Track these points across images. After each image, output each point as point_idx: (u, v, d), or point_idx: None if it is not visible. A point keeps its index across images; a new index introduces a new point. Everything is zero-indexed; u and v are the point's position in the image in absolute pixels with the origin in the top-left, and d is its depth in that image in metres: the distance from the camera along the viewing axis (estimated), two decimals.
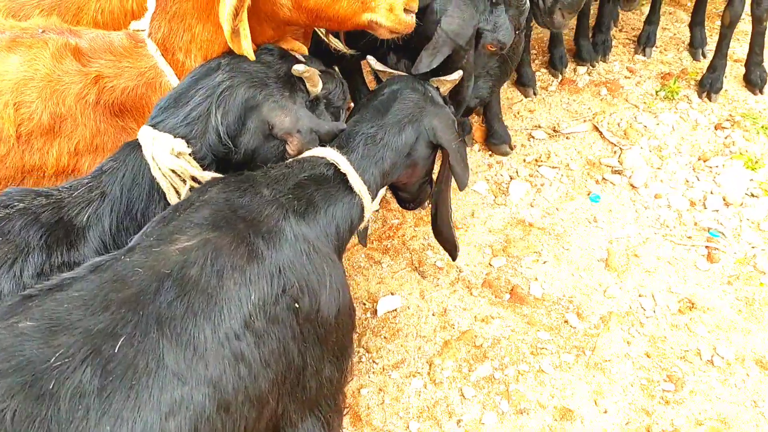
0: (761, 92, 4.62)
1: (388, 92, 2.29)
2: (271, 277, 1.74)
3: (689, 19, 5.10)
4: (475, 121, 4.41)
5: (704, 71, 4.66)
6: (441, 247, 3.50)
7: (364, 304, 3.37)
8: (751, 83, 4.64)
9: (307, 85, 1.96)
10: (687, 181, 4.00)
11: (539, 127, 4.43)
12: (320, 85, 2.00)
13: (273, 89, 1.91)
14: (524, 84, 4.70)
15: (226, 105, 1.86)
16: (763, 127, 4.33)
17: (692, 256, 3.56)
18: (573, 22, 5.15)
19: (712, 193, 3.90)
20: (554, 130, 4.40)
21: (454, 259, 2.76)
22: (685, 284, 3.43)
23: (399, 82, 2.33)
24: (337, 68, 2.45)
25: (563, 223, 3.75)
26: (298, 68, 1.91)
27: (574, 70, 4.94)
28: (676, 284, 3.42)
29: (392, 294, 3.40)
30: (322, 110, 2.07)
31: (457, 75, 2.30)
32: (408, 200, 2.64)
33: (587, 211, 3.82)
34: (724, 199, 3.86)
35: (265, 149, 1.96)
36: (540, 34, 5.14)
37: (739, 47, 5.05)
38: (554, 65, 4.87)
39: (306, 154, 2.00)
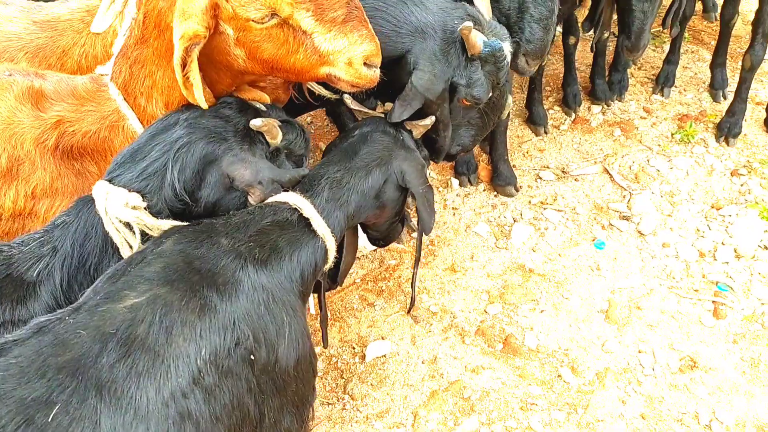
0: None
1: (358, 134, 2.28)
2: (224, 331, 1.71)
3: (711, 59, 4.97)
4: (482, 160, 4.34)
5: (723, 114, 4.52)
6: (436, 292, 3.45)
7: (354, 348, 3.31)
8: None
9: (267, 136, 1.94)
10: (698, 230, 3.86)
11: (548, 167, 4.34)
12: (280, 136, 1.98)
13: (232, 143, 1.89)
14: (535, 122, 4.62)
15: (184, 161, 1.85)
16: None
17: (698, 310, 3.42)
18: (589, 59, 5.07)
19: (723, 243, 3.76)
20: (563, 172, 4.31)
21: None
22: (688, 340, 3.29)
23: (371, 124, 2.31)
24: (329, 104, 2.44)
25: (565, 270, 3.65)
26: (255, 123, 1.89)
27: (589, 108, 4.85)
28: (678, 340, 3.29)
29: (383, 339, 3.33)
30: (282, 160, 2.04)
31: (429, 120, 2.26)
32: (377, 238, 2.62)
33: (591, 259, 3.71)
34: (735, 251, 3.71)
35: (227, 200, 1.94)
36: (555, 70, 5.06)
37: (762, 89, 4.91)
38: (567, 104, 4.78)
39: (269, 199, 1.98)
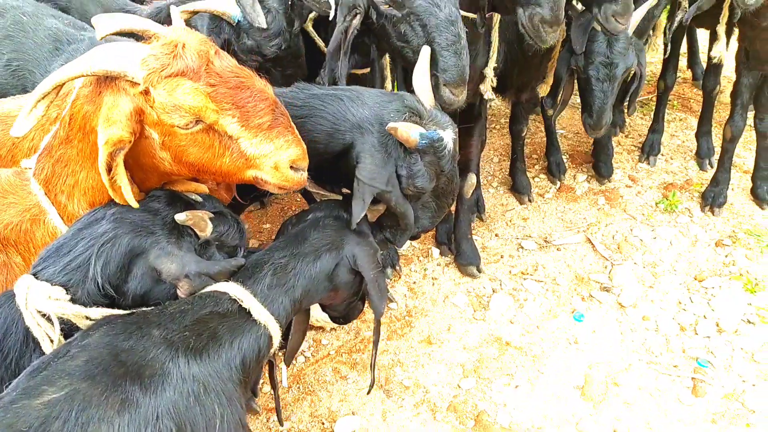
0: None
1: (311, 219, 2.30)
2: (144, 426, 1.68)
3: (696, 127, 5.00)
4: None
5: (708, 183, 4.52)
6: (410, 365, 3.42)
7: (323, 424, 3.26)
8: (758, 197, 4.46)
9: (195, 229, 1.97)
10: (679, 303, 3.81)
11: (530, 236, 4.33)
12: (209, 228, 2.00)
13: (159, 236, 1.92)
14: (519, 191, 4.64)
15: (107, 255, 1.88)
16: None
17: (677, 387, 3.34)
18: (577, 126, 5.11)
19: (704, 317, 3.70)
20: (545, 241, 4.29)
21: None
22: (665, 419, 3.20)
23: (325, 208, 2.34)
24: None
25: (542, 344, 3.60)
26: (179, 217, 1.92)
27: (574, 176, 4.87)
28: (655, 419, 3.20)
29: (353, 414, 3.28)
30: (213, 252, 2.06)
31: (381, 206, 2.29)
32: (336, 317, 2.61)
33: (569, 331, 3.66)
34: (717, 325, 3.64)
35: (157, 292, 1.95)
36: (541, 139, 5.10)
37: (750, 158, 4.91)
38: (552, 172, 4.81)
39: (208, 289, 1.98)
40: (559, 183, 4.79)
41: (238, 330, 1.97)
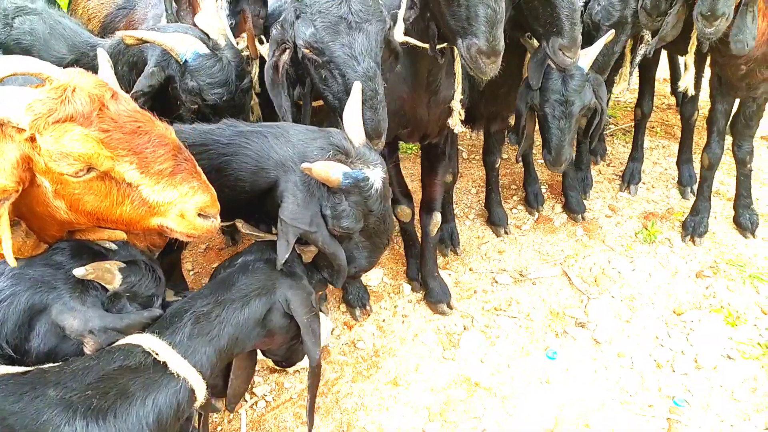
0: (753, 235, 4.31)
1: (240, 263, 2.22)
2: None
3: (677, 155, 4.90)
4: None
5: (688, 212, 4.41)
6: (374, 409, 3.29)
7: None
8: (741, 226, 4.34)
9: (101, 282, 1.88)
10: (657, 338, 3.67)
11: (505, 270, 4.22)
12: (117, 279, 1.91)
13: (62, 291, 1.84)
14: (495, 223, 4.54)
15: (5, 313, 1.80)
16: (751, 276, 4.00)
17: (651, 428, 3.20)
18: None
19: (683, 353, 3.56)
20: (521, 275, 4.18)
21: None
22: None
23: (255, 251, 2.25)
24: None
25: (512, 383, 3.46)
26: (77, 272, 1.84)
27: (553, 207, 4.76)
28: None
29: None
30: (123, 304, 1.97)
31: (313, 247, 2.20)
32: (278, 361, 2.50)
33: (541, 370, 3.52)
34: (695, 361, 3.50)
35: (63, 348, 1.86)
36: (520, 170, 5.01)
37: (734, 185, 4.78)
38: (529, 203, 4.71)
39: (120, 342, 1.89)
40: (537, 214, 4.68)
41: (152, 385, 1.86)
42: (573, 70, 3.28)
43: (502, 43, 2.44)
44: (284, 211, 2.07)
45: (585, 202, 4.75)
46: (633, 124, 5.54)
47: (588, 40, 3.57)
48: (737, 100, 4.01)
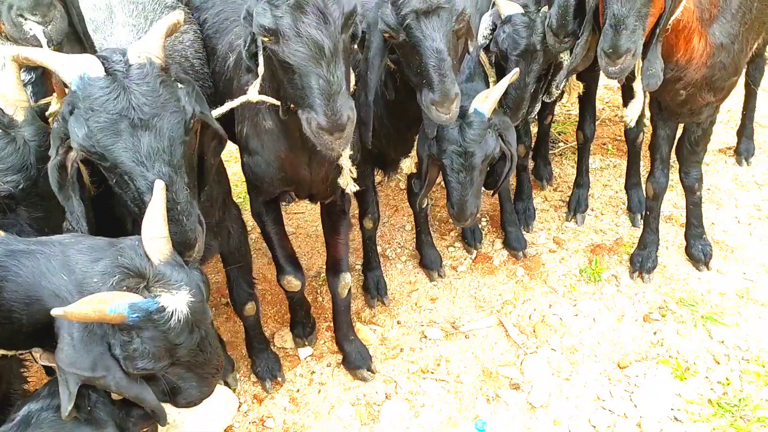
0: (707, 267, 3.93)
1: (22, 415, 1.82)
2: None
3: (625, 179, 4.52)
4: (361, 318, 3.86)
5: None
6: None
7: None
8: (693, 257, 3.97)
9: None
10: (598, 398, 3.30)
11: (436, 323, 3.84)
12: None
13: None
14: (427, 267, 4.16)
15: None
16: (703, 317, 3.63)
17: None
18: None
19: (625, 416, 3.19)
20: (453, 326, 3.80)
21: None
22: None
23: (44, 397, 1.85)
24: None
25: None
26: None
27: (493, 243, 4.38)
28: None
29: None
30: None
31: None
32: None
33: None
34: (638, 426, 3.14)
35: None
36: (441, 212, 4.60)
37: None
38: (466, 240, 4.33)
39: None
40: (475, 252, 4.30)
41: None
42: (472, 117, 2.88)
43: (347, 114, 2.06)
44: (59, 354, 1.69)
45: (528, 235, 4.37)
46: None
47: (500, 72, 3.20)
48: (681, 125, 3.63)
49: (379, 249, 4.41)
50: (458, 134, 2.88)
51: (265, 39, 2.07)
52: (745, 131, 4.73)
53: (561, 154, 5.23)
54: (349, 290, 3.44)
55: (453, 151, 2.90)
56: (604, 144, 5.23)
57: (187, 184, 1.98)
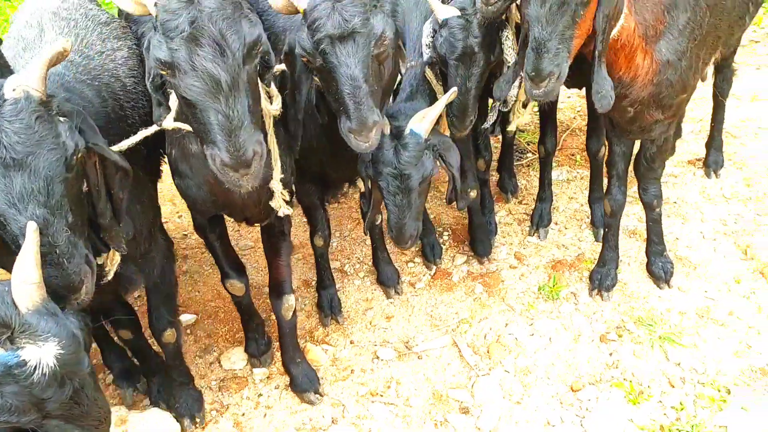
0: (668, 285, 3.85)
1: None
2: None
3: (588, 193, 4.43)
4: (314, 337, 3.77)
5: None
6: None
7: None
8: (653, 275, 3.89)
9: None
10: (548, 423, 3.22)
11: (389, 342, 3.75)
12: None
13: None
14: (384, 284, 4.08)
15: None
16: (661, 338, 3.54)
17: None
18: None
19: None
20: (407, 346, 3.72)
21: None
22: None
23: None
24: None
25: None
26: None
27: (453, 258, 4.30)
28: None
29: None
30: None
31: None
32: None
33: None
34: None
35: None
36: None
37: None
38: (425, 255, 4.24)
39: None
40: (434, 268, 4.21)
41: None
42: (407, 139, 2.79)
43: (252, 149, 1.98)
44: None
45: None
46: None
47: (444, 79, 3.10)
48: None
49: (337, 264, 4.35)
50: (393, 156, 2.78)
51: (163, 72, 1.98)
52: (713, 143, 4.64)
53: (529, 165, 5.15)
54: (294, 312, 3.35)
55: (388, 173, 2.81)
56: (573, 155, 5.15)
57: (71, 225, 1.89)
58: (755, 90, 5.68)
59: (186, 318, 4.01)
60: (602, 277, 3.83)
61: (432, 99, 3.06)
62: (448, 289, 4.08)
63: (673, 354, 3.45)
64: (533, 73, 2.42)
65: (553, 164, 5.01)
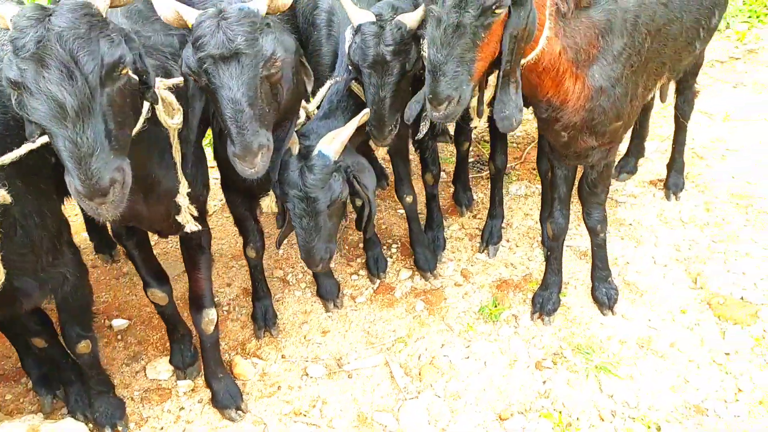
0: (611, 312, 3.75)
1: None
2: None
3: (540, 212, 4.32)
4: (239, 357, 3.68)
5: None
6: None
7: None
8: (597, 301, 3.79)
9: None
10: None
11: (320, 359, 3.66)
12: None
13: None
14: (323, 297, 3.98)
15: None
16: (597, 367, 3.44)
17: None
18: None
19: None
20: (338, 364, 3.62)
21: None
22: None
23: None
24: None
25: None
26: None
27: (398, 272, 4.20)
28: None
29: None
30: None
31: None
32: None
33: None
34: None
35: None
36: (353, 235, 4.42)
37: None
38: (369, 269, 4.15)
39: None
40: (378, 282, 4.12)
41: None
42: (314, 160, 2.67)
43: (109, 177, 1.88)
44: None
45: (437, 265, 4.19)
46: (510, 165, 5.01)
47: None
48: None
49: (280, 273, 4.26)
50: (299, 178, 2.67)
51: (16, 92, 1.88)
52: (674, 165, 4.52)
53: (489, 178, 5.02)
54: (216, 326, 3.26)
55: (294, 195, 2.69)
56: (533, 169, 5.03)
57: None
58: (729, 109, 5.56)
59: (118, 323, 3.92)
60: (544, 301, 3.74)
61: (354, 115, 2.93)
62: (389, 305, 3.98)
63: (608, 385, 3.35)
64: (430, 96, 2.31)
65: (514, 178, 4.94)
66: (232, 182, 3.07)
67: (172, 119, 2.35)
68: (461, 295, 4.00)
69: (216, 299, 4.03)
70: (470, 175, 4.80)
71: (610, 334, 3.65)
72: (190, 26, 2.18)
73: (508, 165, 5.03)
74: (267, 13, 2.22)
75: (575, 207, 4.11)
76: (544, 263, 4.14)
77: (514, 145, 5.34)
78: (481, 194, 4.85)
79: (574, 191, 3.56)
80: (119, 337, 3.87)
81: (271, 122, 2.29)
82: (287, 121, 2.55)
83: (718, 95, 5.81)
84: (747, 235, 4.19)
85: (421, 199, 4.25)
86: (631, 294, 3.88)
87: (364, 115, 2.75)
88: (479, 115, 2.77)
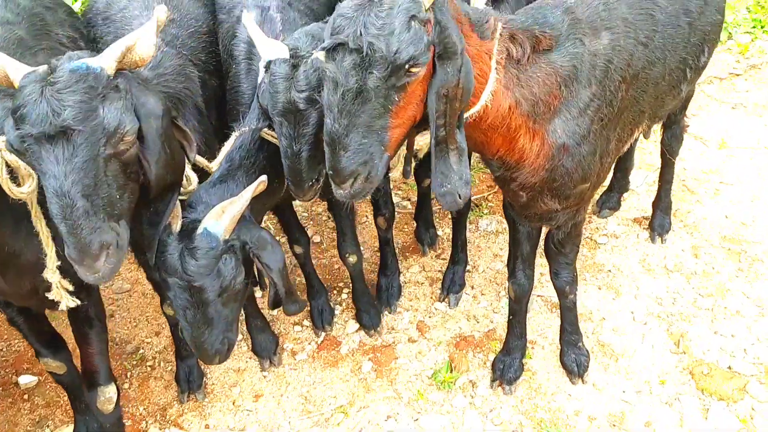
0: (581, 380, 3.30)
1: None
2: None
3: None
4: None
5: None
6: None
7: None
8: (566, 367, 3.35)
9: None
10: None
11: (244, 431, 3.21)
12: None
13: None
14: (258, 353, 3.53)
15: None
16: None
17: None
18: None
19: None
20: None
21: None
22: None
23: None
24: None
25: None
26: None
27: (345, 324, 3.75)
28: None
29: None
30: None
31: None
32: None
33: None
34: None
35: None
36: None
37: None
38: (313, 320, 3.70)
39: None
40: (322, 335, 3.67)
41: None
42: (197, 242, 2.17)
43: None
44: None
45: (389, 316, 3.74)
46: (481, 195, 4.56)
47: None
48: None
49: None
50: (179, 263, 2.18)
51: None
52: (660, 204, 4.06)
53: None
54: (117, 404, 2.80)
55: (174, 284, 2.21)
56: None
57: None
58: (726, 134, 5.08)
59: (25, 380, 3.47)
60: (505, 368, 3.29)
61: (263, 172, 2.40)
62: (333, 364, 3.53)
63: None
64: (331, 172, 1.85)
65: (485, 211, 4.48)
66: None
67: (20, 187, 1.88)
68: (414, 354, 3.55)
69: (141, 351, 3.61)
70: (434, 208, 4.33)
71: (578, 408, 3.21)
72: (16, 87, 1.71)
73: (480, 195, 4.61)
74: (120, 70, 1.75)
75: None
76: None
77: (488, 172, 4.86)
78: (447, 229, 4.38)
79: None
80: (26, 396, 3.42)
81: (125, 209, 1.84)
82: (170, 192, 2.08)
83: (714, 117, 5.33)
84: (738, 288, 3.74)
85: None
86: (605, 358, 3.43)
87: (259, 183, 2.26)
88: (405, 176, 2.30)
